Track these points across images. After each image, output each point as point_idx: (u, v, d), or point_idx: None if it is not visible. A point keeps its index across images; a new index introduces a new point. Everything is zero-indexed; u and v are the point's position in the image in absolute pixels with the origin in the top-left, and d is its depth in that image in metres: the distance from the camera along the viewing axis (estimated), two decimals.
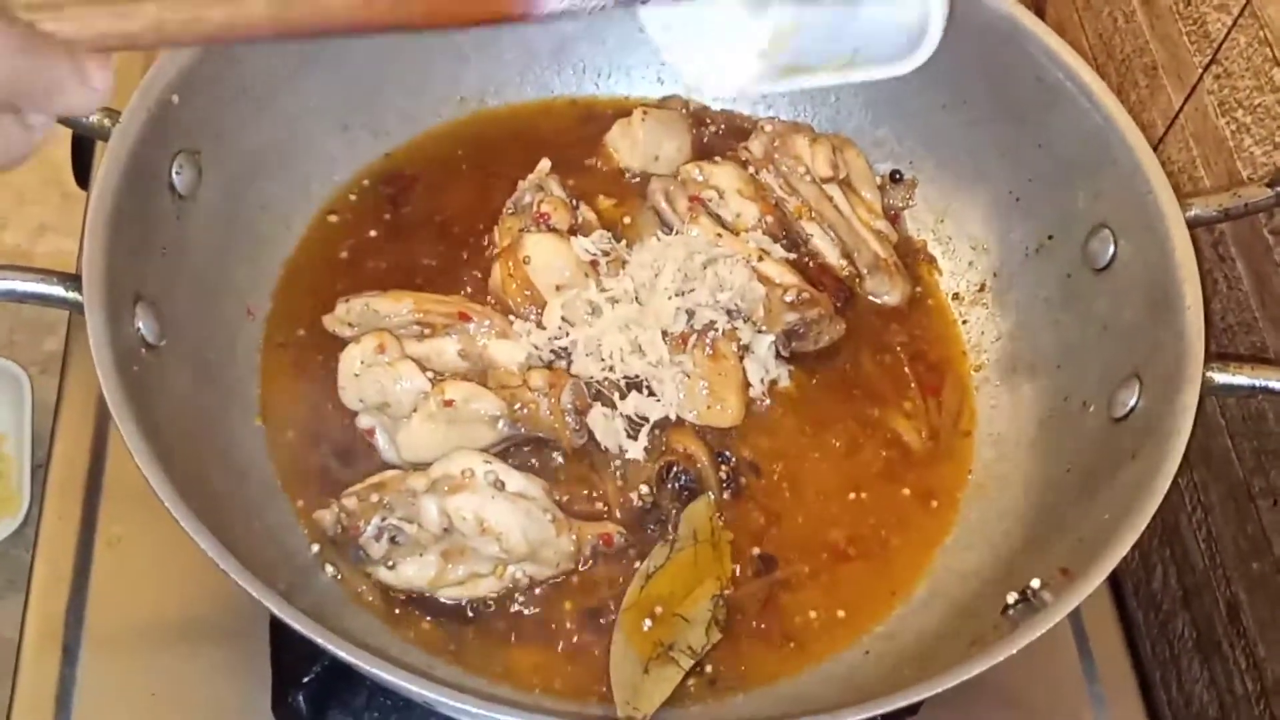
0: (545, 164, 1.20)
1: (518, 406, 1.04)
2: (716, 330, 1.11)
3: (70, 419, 1.18)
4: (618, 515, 1.06)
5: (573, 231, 1.16)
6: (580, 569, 1.03)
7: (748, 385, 1.13)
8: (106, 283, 0.91)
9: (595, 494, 1.07)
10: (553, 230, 1.14)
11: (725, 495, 1.08)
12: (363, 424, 1.06)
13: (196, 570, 0.81)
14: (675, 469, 1.07)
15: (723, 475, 1.09)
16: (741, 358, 1.13)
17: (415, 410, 1.03)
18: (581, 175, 1.26)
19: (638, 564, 1.03)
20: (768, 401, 1.14)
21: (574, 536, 1.01)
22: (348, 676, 1.01)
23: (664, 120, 1.28)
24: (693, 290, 1.12)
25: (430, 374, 1.05)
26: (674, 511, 1.06)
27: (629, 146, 1.28)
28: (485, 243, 1.20)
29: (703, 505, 1.06)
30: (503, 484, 0.99)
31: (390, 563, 0.98)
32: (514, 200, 1.19)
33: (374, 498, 0.98)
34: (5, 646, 1.06)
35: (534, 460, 1.07)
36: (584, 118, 1.33)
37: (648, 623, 0.99)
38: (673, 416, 1.09)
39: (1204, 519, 1.19)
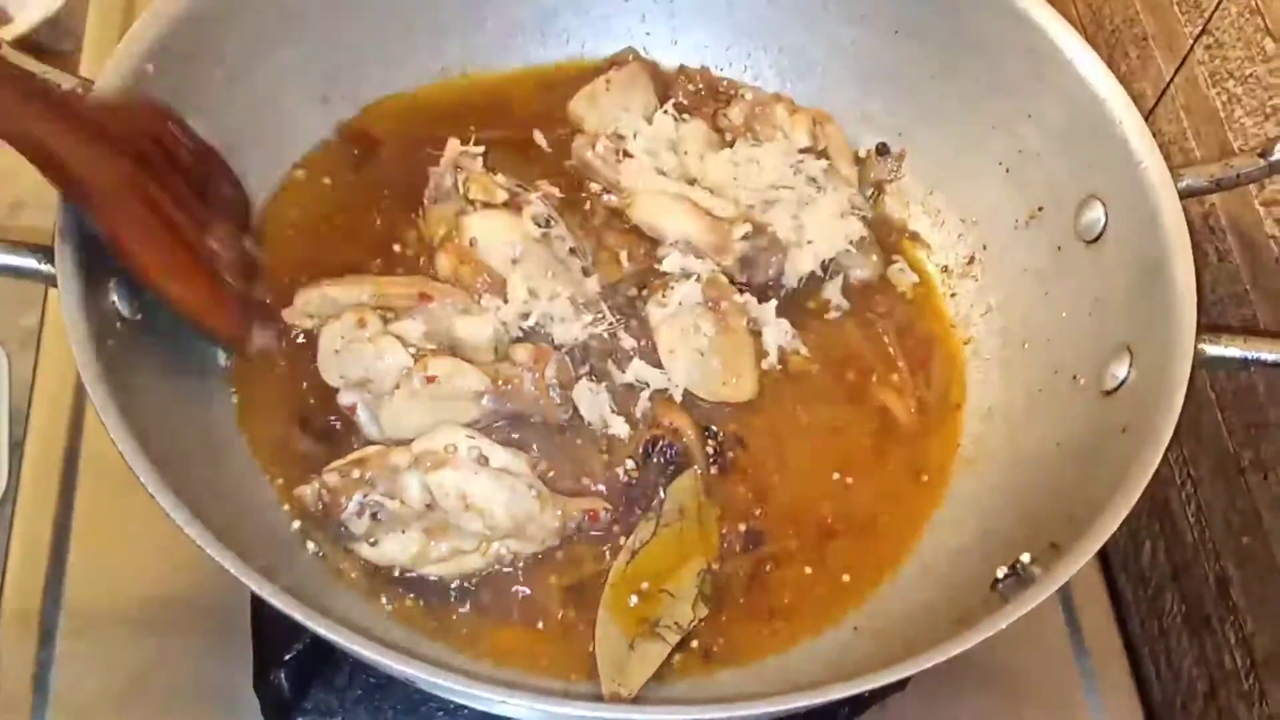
0: (454, 144, 1.15)
1: (501, 382, 1.03)
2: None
3: (47, 396, 1.16)
4: (603, 490, 1.05)
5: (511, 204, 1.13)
6: (565, 545, 1.02)
7: (759, 358, 1.12)
8: (81, 254, 0.89)
9: (580, 469, 1.05)
10: (490, 206, 1.11)
11: (712, 470, 1.07)
12: (344, 400, 1.04)
13: (176, 548, 0.80)
14: (661, 443, 1.06)
15: (709, 450, 1.08)
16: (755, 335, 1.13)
17: (398, 386, 1.02)
18: (561, 144, 1.25)
19: (623, 539, 1.02)
20: (779, 368, 1.14)
21: (559, 512, 1.00)
22: (330, 654, 1.00)
23: (626, 85, 1.25)
24: None
25: (413, 349, 1.03)
26: (660, 486, 1.04)
27: (597, 116, 1.26)
28: None
29: (689, 480, 1.05)
30: (486, 459, 0.97)
31: (372, 539, 0.97)
32: (432, 189, 1.14)
33: (356, 474, 0.97)
34: None
35: (518, 435, 1.06)
36: (574, 83, 1.31)
37: (634, 599, 0.99)
38: (679, 396, 1.09)
39: (1194, 493, 1.19)
